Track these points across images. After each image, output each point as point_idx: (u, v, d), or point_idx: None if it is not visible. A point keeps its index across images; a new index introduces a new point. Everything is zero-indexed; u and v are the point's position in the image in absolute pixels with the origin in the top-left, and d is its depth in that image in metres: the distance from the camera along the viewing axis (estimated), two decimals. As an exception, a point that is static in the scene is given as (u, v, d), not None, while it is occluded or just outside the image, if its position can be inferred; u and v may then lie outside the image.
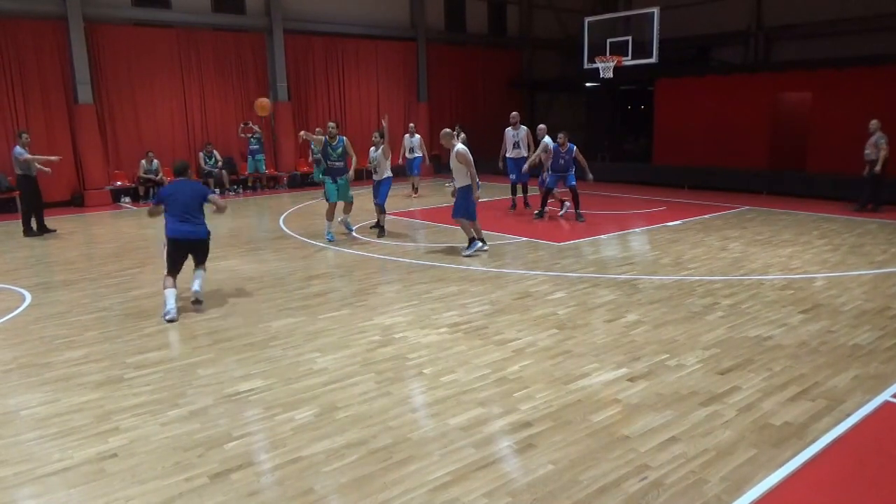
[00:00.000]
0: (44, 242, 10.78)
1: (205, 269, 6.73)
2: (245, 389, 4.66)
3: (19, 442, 3.96)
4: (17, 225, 12.73)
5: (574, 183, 11.57)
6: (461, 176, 8.84)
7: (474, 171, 8.77)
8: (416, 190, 15.88)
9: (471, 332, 5.78)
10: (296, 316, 6.37)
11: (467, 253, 8.86)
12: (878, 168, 11.79)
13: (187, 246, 6.51)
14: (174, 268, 6.46)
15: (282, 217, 13.01)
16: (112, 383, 4.81)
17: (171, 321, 6.15)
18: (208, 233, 6.60)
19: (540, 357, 5.16)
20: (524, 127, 13.09)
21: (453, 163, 8.88)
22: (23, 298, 7.24)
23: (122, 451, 3.82)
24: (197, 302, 6.55)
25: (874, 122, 12.07)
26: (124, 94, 15.83)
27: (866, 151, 12.08)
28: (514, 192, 13.28)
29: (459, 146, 8.91)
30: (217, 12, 17.16)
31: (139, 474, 3.57)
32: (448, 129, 9.47)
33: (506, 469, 3.55)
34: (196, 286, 6.53)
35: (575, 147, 11.49)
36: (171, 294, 6.30)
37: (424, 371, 4.93)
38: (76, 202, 15.27)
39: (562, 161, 11.46)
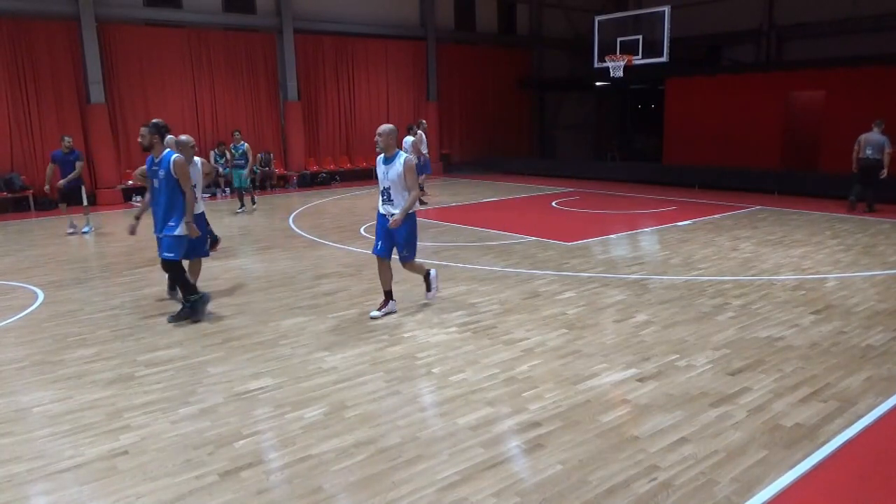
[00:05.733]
0: (56, 241, 10.87)
1: None
2: (255, 388, 4.68)
3: (32, 439, 3.99)
4: (29, 223, 12.85)
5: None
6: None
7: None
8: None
9: (479, 332, 5.77)
10: (305, 315, 6.39)
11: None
12: None
13: None
14: None
15: (291, 216, 13.05)
16: (123, 381, 4.84)
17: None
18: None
19: (549, 357, 5.15)
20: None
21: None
22: (35, 296, 7.31)
23: (133, 448, 3.85)
24: None
25: None
26: (136, 94, 15.95)
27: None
28: None
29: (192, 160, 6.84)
30: (228, 12, 17.25)
31: (150, 471, 3.59)
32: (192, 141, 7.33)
33: (514, 469, 3.54)
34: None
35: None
36: None
37: (433, 370, 4.94)
38: (88, 201, 15.32)
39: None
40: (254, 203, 14.02)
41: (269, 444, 3.89)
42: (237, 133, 13.87)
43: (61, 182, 11.21)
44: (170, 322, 6.14)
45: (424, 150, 14.42)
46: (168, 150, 6.08)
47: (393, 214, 6.09)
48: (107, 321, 6.35)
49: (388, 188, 6.08)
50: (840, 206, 12.73)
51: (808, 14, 19.14)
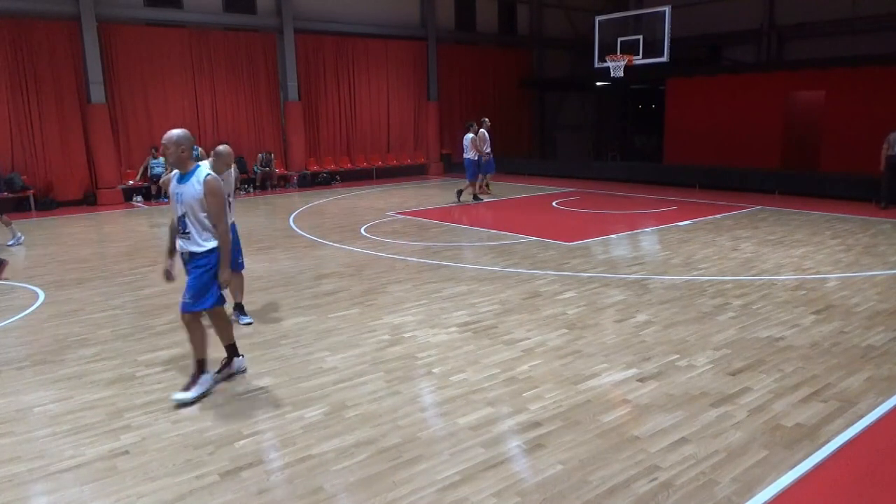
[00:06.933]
0: (57, 241, 10.87)
1: None
2: (255, 388, 4.68)
3: (33, 439, 3.99)
4: (30, 223, 12.85)
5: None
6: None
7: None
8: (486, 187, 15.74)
9: (480, 332, 5.77)
10: (306, 315, 6.39)
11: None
12: None
13: None
14: None
15: (292, 216, 13.06)
16: (124, 381, 4.84)
17: None
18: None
19: (549, 357, 5.15)
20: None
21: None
22: (36, 296, 7.31)
23: (134, 448, 3.85)
24: None
25: None
26: (136, 94, 15.95)
27: None
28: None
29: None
30: (228, 12, 17.25)
31: (150, 471, 3.59)
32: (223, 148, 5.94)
33: (515, 469, 3.54)
34: None
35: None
36: None
37: (433, 370, 4.94)
38: (89, 201, 15.39)
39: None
40: None
41: (269, 443, 3.89)
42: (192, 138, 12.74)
43: None
44: None
45: (487, 149, 14.63)
46: None
47: (191, 252, 4.50)
48: (107, 321, 6.35)
49: (184, 216, 4.48)
50: (840, 206, 12.74)
51: (808, 14, 19.14)
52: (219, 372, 4.85)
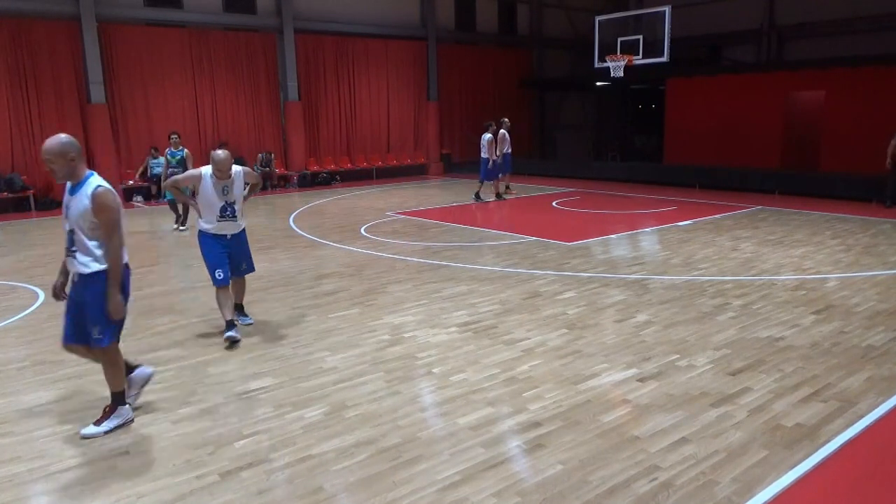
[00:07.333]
0: (57, 241, 10.87)
1: None
2: (255, 388, 4.68)
3: (32, 439, 3.99)
4: (30, 223, 12.85)
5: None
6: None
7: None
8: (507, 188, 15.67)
9: (480, 332, 5.77)
10: (306, 314, 6.39)
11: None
12: None
13: None
14: None
15: (292, 216, 13.06)
16: (124, 381, 4.83)
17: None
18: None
19: (549, 357, 5.15)
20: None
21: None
22: (36, 296, 7.31)
23: (134, 448, 3.85)
24: None
25: None
26: (136, 94, 15.96)
27: None
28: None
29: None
30: (228, 12, 17.26)
31: (150, 471, 3.59)
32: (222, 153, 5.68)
33: (515, 469, 3.54)
34: None
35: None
36: None
37: (433, 370, 4.94)
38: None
39: None
40: (183, 224, 11.41)
41: (269, 443, 3.88)
42: (175, 137, 11.43)
43: None
44: None
45: (507, 150, 14.59)
46: None
47: (78, 274, 3.94)
48: (107, 321, 6.33)
49: (71, 232, 3.93)
50: (840, 206, 12.74)
51: (808, 14, 19.14)
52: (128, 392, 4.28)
